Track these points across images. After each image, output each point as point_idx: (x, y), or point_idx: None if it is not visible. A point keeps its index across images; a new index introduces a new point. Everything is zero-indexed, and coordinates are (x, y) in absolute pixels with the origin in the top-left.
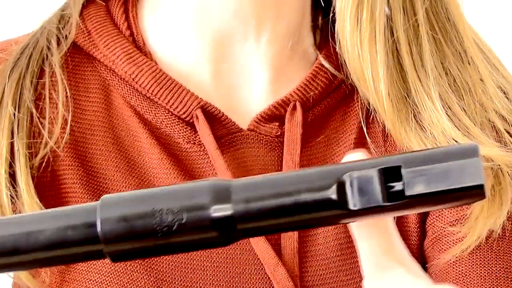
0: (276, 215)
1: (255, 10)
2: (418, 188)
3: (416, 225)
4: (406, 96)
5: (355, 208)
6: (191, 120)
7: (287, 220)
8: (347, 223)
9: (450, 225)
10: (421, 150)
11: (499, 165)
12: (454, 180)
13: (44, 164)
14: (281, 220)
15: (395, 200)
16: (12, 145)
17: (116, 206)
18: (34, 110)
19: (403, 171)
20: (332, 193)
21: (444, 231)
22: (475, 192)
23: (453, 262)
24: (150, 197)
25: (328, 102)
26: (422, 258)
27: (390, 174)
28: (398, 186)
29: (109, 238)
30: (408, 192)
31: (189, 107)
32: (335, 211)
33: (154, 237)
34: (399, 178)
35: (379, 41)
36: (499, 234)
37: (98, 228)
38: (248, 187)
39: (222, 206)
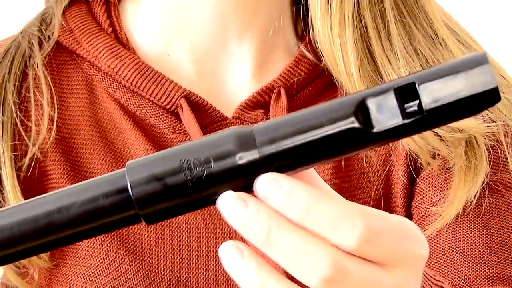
0: (302, 151)
1: (236, 9)
2: (436, 101)
3: (402, 209)
4: (378, 79)
5: (378, 131)
6: (175, 110)
7: (313, 154)
8: (372, 147)
9: (433, 205)
10: (432, 66)
11: (473, 136)
12: (469, 88)
13: (32, 164)
14: (308, 155)
15: (415, 117)
16: None
17: (142, 167)
18: (18, 113)
19: (418, 87)
20: (353, 120)
21: (428, 211)
22: (490, 97)
23: (436, 240)
24: (174, 152)
25: (313, 87)
26: None
27: (406, 92)
28: (416, 103)
29: (142, 199)
30: (426, 107)
31: (173, 97)
32: (359, 137)
33: (186, 190)
34: (415, 95)
35: (348, 26)
36: (475, 205)
37: (129, 191)
38: (271, 128)
39: (249, 151)
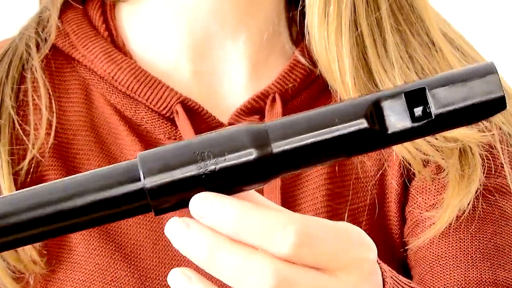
0: (314, 149)
1: (233, 9)
2: (444, 107)
3: (396, 214)
4: (373, 87)
5: (387, 133)
6: (171, 116)
7: (324, 153)
8: (382, 148)
9: (426, 211)
10: (442, 73)
11: (468, 144)
12: (477, 96)
13: (31, 169)
14: (319, 153)
15: (423, 121)
16: None
17: (155, 157)
18: (16, 117)
19: (428, 92)
20: (364, 121)
21: (421, 216)
22: (496, 104)
23: (429, 245)
24: (187, 144)
25: (307, 93)
26: (403, 246)
27: (416, 97)
28: (424, 107)
29: (155, 189)
30: (435, 112)
31: (169, 102)
32: (369, 138)
33: (199, 182)
34: (424, 100)
35: (345, 34)
36: (469, 213)
37: (142, 180)
38: (284, 126)
39: (262, 147)
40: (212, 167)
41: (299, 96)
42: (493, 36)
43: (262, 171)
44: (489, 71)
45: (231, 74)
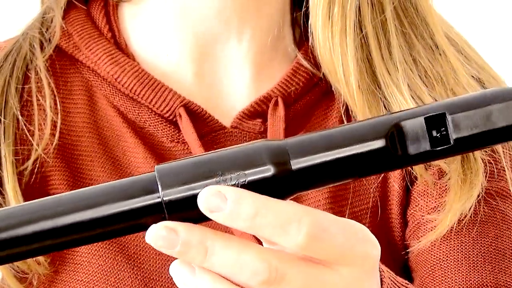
0: (334, 167)
1: (237, 10)
2: (463, 132)
3: (398, 216)
4: (376, 89)
5: (406, 155)
6: (174, 119)
7: (343, 172)
8: (397, 169)
9: (428, 213)
10: (462, 96)
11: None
12: (497, 121)
13: (35, 169)
14: (338, 172)
15: (442, 145)
16: None
17: (173, 170)
18: (20, 117)
19: (448, 117)
20: (383, 143)
21: (423, 219)
22: None
23: (430, 248)
24: (206, 159)
25: (310, 97)
26: (405, 249)
27: (436, 120)
28: (444, 131)
29: (173, 202)
30: (454, 137)
31: (172, 105)
32: (387, 159)
33: None
34: (444, 123)
35: (349, 35)
36: (471, 217)
37: (160, 194)
38: (303, 143)
39: (282, 162)
40: (232, 183)
41: (301, 100)
42: (495, 39)
43: (281, 187)
44: (509, 96)
45: (233, 76)
